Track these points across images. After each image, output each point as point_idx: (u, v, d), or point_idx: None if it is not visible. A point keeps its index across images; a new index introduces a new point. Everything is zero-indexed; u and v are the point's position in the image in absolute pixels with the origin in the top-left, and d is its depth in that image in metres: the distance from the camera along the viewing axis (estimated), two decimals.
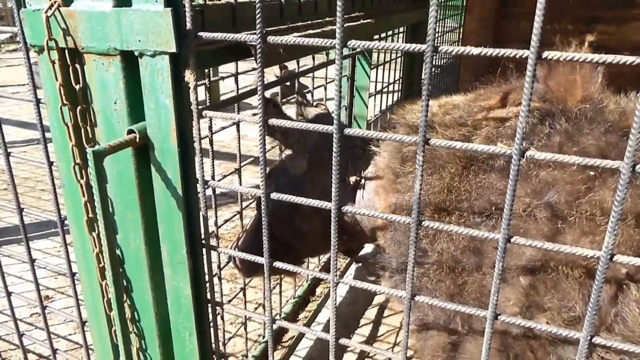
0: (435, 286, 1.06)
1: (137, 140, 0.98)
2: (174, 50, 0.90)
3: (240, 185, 1.76)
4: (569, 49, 1.02)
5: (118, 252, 1.16)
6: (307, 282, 2.82)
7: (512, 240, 0.79)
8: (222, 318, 1.90)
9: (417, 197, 0.82)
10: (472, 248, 1.03)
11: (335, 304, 0.99)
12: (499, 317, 0.85)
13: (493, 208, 1.02)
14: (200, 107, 0.96)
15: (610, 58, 0.68)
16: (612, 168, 0.72)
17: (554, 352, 0.93)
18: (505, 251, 0.80)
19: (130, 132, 0.99)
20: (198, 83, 1.00)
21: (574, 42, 1.01)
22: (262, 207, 0.94)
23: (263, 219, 0.95)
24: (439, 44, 0.76)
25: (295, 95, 1.65)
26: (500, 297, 0.96)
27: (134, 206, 1.07)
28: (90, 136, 1.07)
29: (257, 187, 0.95)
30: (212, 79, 1.51)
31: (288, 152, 1.62)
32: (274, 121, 0.89)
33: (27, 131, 6.61)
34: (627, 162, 0.70)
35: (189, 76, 0.93)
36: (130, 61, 0.96)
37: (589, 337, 0.79)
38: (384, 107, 3.54)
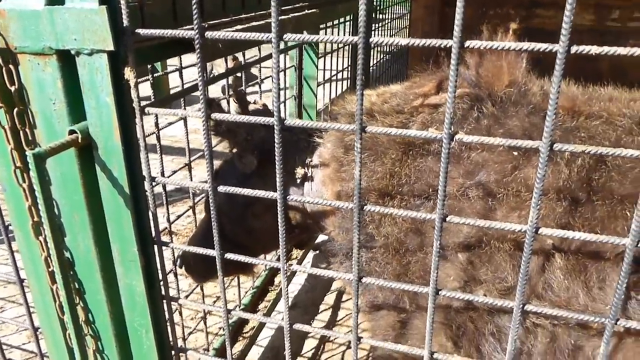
0: (383, 269, 1.11)
1: (80, 140, 0.97)
2: (111, 48, 0.90)
3: (191, 180, 1.76)
4: (496, 37, 1.08)
5: (67, 254, 1.14)
6: (264, 272, 2.84)
7: (447, 219, 0.84)
8: (181, 314, 1.90)
9: (358, 183, 0.86)
10: (414, 229, 1.08)
11: (288, 292, 1.02)
12: (439, 292, 0.90)
13: (430, 190, 1.07)
14: (143, 103, 0.97)
15: (526, 46, 0.74)
16: (533, 147, 0.78)
17: (492, 321, 1.00)
18: (442, 230, 0.85)
19: (71, 132, 0.97)
20: (142, 79, 1.01)
21: (500, 30, 1.08)
22: (211, 201, 0.96)
23: (212, 212, 0.97)
24: (372, 36, 0.80)
25: (241, 88, 1.65)
26: (440, 273, 1.02)
27: (81, 207, 1.07)
28: (30, 138, 1.05)
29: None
30: (155, 74, 1.49)
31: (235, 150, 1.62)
32: (217, 115, 0.91)
33: None
34: (545, 142, 0.76)
35: (128, 73, 0.93)
36: (67, 60, 0.94)
37: (521, 306, 0.86)
38: (333, 96, 3.59)
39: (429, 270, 1.07)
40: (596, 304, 0.94)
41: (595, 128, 1.05)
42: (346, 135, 1.27)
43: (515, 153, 1.02)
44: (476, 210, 1.02)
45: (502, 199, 1.00)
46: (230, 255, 1.03)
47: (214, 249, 1.03)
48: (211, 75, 1.65)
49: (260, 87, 2.53)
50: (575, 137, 1.04)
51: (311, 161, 1.45)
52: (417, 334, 1.09)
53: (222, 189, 0.95)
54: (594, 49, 0.69)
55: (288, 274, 0.99)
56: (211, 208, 0.97)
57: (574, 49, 0.69)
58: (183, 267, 1.68)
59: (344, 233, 1.23)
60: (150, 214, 1.07)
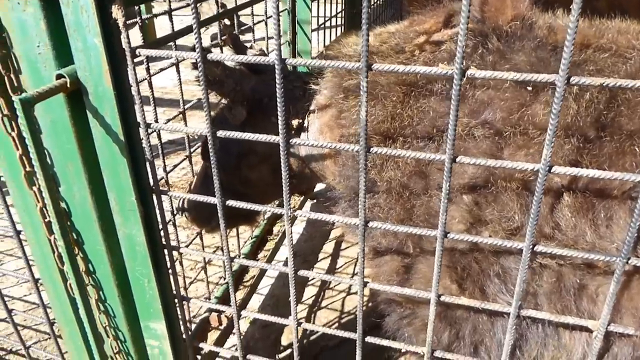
0: (387, 214, 1.09)
1: (68, 85, 0.92)
2: None
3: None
4: None
5: (63, 204, 1.11)
6: (263, 221, 2.84)
7: (457, 160, 0.82)
8: (181, 263, 1.90)
9: (364, 124, 0.82)
10: (418, 172, 1.05)
11: (292, 238, 1.00)
12: (447, 235, 0.89)
13: (435, 131, 1.04)
14: (134, 46, 0.91)
15: None
16: (544, 82, 0.74)
17: (497, 262, 0.99)
18: (451, 171, 0.83)
19: (59, 77, 0.92)
20: (130, 22, 0.95)
21: None
22: (210, 146, 0.92)
23: (211, 158, 0.94)
24: None
25: (235, 32, 1.58)
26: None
27: (74, 156, 1.03)
28: (16, 84, 0.99)
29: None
30: (144, 17, 1.41)
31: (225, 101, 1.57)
32: (213, 56, 0.86)
33: None
34: (561, 75, 0.72)
35: (116, 12, 0.87)
36: None
37: (530, 247, 0.85)
38: (327, 43, 3.48)
39: (433, 214, 1.06)
40: (603, 242, 0.93)
41: (603, 61, 1.01)
42: (345, 80, 1.21)
43: (530, 88, 0.98)
44: (482, 150, 0.99)
45: (508, 138, 0.97)
46: (231, 202, 1.00)
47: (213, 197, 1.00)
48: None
49: (253, 33, 2.43)
50: (583, 70, 1.00)
51: (307, 110, 1.40)
52: (422, 278, 1.09)
53: (221, 133, 0.91)
54: None
55: (291, 220, 0.97)
56: (210, 154, 0.93)
57: None
58: (185, 214, 1.66)
59: (345, 180, 1.20)
60: (147, 161, 1.03)
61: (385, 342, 1.09)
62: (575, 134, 0.95)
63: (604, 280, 0.96)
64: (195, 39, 0.83)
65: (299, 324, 1.15)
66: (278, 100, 0.82)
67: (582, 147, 0.96)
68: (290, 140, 0.88)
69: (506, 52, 1.03)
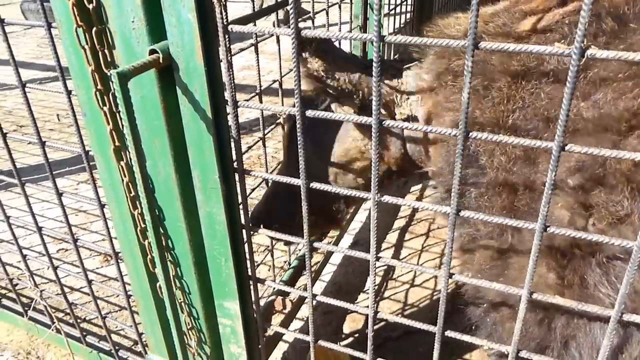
0: (491, 203, 1.04)
1: (161, 61, 0.93)
2: None
3: (262, 113, 1.70)
4: None
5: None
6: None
7: (566, 148, 0.75)
8: (250, 246, 1.91)
9: (465, 108, 0.77)
10: (523, 157, 1.00)
11: (375, 223, 0.97)
12: (547, 229, 0.83)
13: (545, 112, 0.97)
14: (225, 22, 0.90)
15: None
16: None
17: (600, 250, 0.92)
18: (559, 160, 0.76)
19: (152, 52, 0.93)
20: None
21: None
22: (298, 126, 0.90)
23: (299, 138, 0.91)
24: None
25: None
26: None
27: (161, 132, 1.04)
28: (109, 60, 1.01)
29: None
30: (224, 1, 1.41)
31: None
32: (307, 32, 0.83)
33: (27, 71, 6.46)
34: None
35: None
36: None
37: None
38: (396, 28, 3.42)
39: (536, 199, 0.99)
40: None
41: None
42: (452, 61, 1.15)
43: None
44: (591, 132, 0.91)
45: (620, 119, 0.89)
46: (315, 185, 0.98)
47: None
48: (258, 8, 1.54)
49: (313, 22, 2.39)
50: None
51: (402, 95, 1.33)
52: (516, 264, 1.03)
53: (310, 113, 0.89)
54: None
55: (376, 206, 0.94)
56: (298, 134, 0.91)
57: None
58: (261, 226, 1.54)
59: (448, 167, 1.15)
60: (231, 139, 1.03)
61: (466, 338, 1.04)
62: None
63: None
64: (291, 12, 0.80)
65: (375, 313, 1.12)
66: (374, 80, 0.79)
67: None
68: (384, 122, 0.85)
69: (621, 33, 0.95)
